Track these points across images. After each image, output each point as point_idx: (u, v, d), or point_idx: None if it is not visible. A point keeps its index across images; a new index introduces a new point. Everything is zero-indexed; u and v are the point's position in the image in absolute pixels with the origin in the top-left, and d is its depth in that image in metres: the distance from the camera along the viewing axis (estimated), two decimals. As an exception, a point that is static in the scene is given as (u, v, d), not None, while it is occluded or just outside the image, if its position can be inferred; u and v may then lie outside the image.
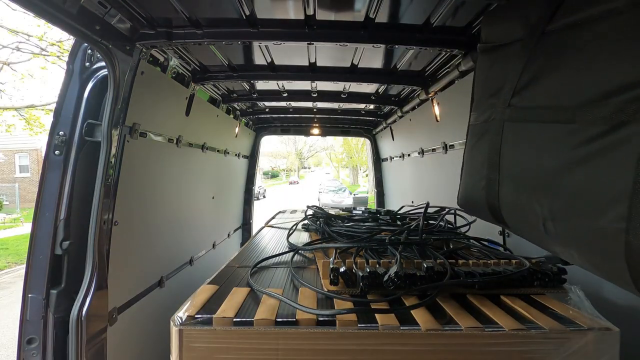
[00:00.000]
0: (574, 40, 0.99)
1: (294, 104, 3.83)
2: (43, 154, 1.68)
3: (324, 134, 5.08)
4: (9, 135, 12.04)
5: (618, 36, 0.85)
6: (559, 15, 1.05)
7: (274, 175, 55.11)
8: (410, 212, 2.23)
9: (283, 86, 3.13)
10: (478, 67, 1.52)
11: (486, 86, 1.41)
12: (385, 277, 1.12)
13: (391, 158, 4.55)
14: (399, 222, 2.01)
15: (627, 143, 0.79)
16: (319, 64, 2.45)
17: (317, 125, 4.86)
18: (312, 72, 2.57)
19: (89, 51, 1.62)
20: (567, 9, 1.02)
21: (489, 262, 1.27)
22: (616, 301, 1.25)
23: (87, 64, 1.63)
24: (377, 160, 5.21)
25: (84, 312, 1.48)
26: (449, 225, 1.81)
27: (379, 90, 3.18)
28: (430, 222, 1.88)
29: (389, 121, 4.00)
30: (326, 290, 1.18)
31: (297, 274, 1.38)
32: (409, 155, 3.67)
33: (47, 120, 9.94)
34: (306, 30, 1.83)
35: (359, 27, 1.82)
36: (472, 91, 1.53)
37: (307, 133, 5.06)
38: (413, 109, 3.17)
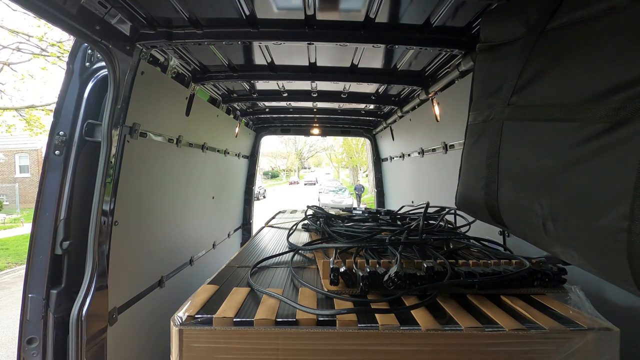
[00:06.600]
0: (575, 38, 0.98)
1: (294, 104, 3.83)
2: (43, 154, 1.68)
3: (324, 134, 5.08)
4: (9, 136, 12.05)
5: (619, 33, 0.85)
6: (559, 13, 1.04)
7: (274, 175, 55.09)
8: (410, 212, 2.23)
9: (283, 86, 3.13)
10: (477, 67, 1.52)
11: (485, 85, 1.40)
12: (386, 277, 1.12)
13: (391, 158, 4.55)
14: (399, 222, 2.01)
15: (629, 141, 0.78)
16: (319, 64, 2.45)
17: (317, 125, 4.86)
18: (312, 72, 2.57)
19: (89, 51, 1.62)
20: (567, 7, 1.02)
21: (489, 262, 1.27)
22: (616, 301, 1.25)
23: (87, 64, 1.63)
24: (377, 160, 5.21)
25: (84, 312, 1.48)
26: (449, 225, 1.81)
27: (379, 90, 3.18)
28: (431, 222, 1.88)
29: (389, 121, 4.00)
30: (326, 290, 1.18)
31: (297, 274, 1.38)
32: (409, 155, 3.67)
33: (47, 120, 9.95)
34: (306, 30, 1.83)
35: (359, 27, 1.82)
36: (470, 91, 1.53)
37: (307, 133, 5.07)
38: (413, 109, 3.17)
